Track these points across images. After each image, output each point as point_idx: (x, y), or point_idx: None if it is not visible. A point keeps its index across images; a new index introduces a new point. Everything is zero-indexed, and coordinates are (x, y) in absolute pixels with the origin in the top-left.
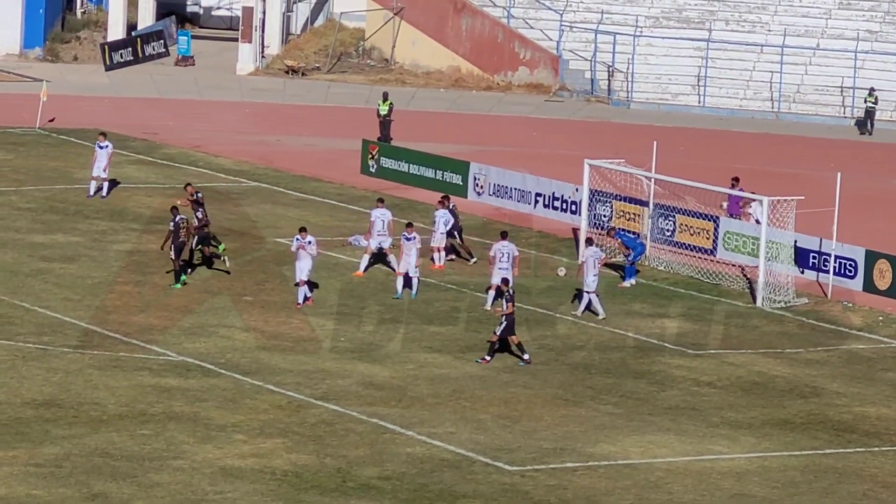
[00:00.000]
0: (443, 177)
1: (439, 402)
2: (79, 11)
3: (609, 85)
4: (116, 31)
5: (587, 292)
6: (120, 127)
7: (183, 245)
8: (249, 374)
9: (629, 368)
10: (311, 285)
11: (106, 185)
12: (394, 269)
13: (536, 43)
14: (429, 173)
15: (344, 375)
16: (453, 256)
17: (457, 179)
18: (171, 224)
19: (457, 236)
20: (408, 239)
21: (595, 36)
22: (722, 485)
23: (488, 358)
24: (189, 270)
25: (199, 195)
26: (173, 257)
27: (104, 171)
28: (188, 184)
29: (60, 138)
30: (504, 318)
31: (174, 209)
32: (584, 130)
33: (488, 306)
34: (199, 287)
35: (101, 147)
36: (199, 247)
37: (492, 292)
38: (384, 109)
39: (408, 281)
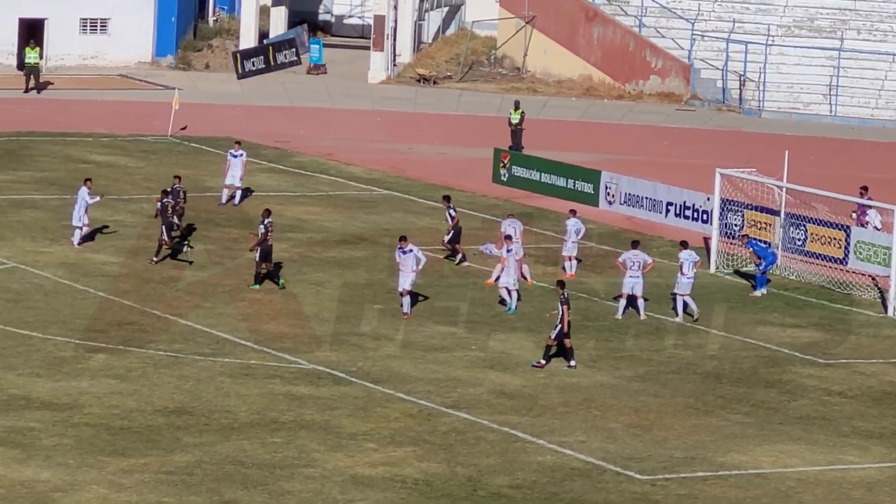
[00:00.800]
0: (574, 185)
1: (570, 411)
2: (211, 20)
3: (740, 94)
4: (248, 40)
5: (681, 295)
6: (251, 135)
7: (270, 248)
8: (380, 382)
9: (760, 378)
10: (414, 297)
11: (239, 193)
12: (526, 279)
13: (668, 52)
14: (560, 182)
15: (475, 384)
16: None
17: (588, 188)
18: (261, 227)
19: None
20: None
21: (727, 45)
22: (853, 495)
23: (543, 361)
24: (259, 281)
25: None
26: (257, 259)
27: (239, 179)
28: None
29: (192, 146)
30: (559, 321)
31: (266, 212)
32: (716, 139)
33: (619, 315)
34: (330, 296)
35: (234, 156)
36: (263, 264)
37: (623, 301)
38: (516, 118)
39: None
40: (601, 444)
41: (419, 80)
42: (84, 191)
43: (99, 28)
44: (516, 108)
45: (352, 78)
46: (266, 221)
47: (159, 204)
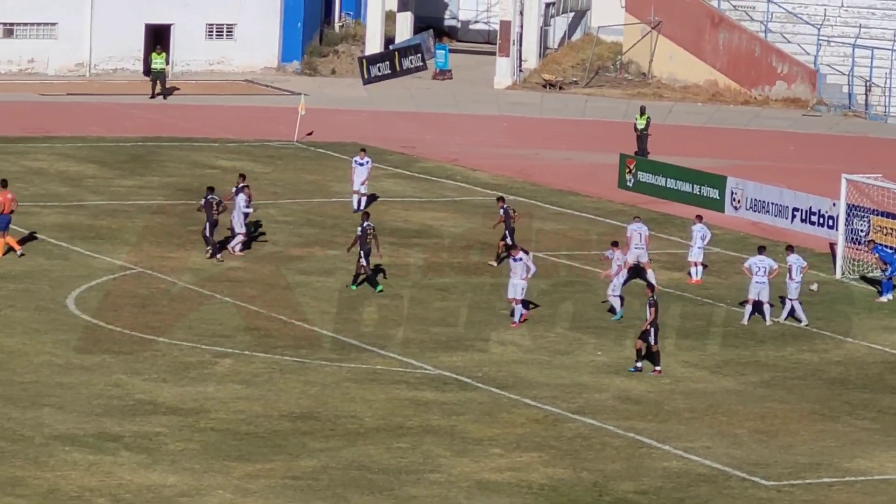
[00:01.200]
0: (700, 191)
1: (695, 417)
2: (337, 25)
3: (866, 99)
4: (374, 45)
5: (790, 299)
6: (377, 140)
7: (369, 250)
8: (506, 387)
9: (886, 384)
10: (526, 304)
11: (364, 199)
12: (651, 285)
13: (794, 57)
14: (686, 188)
15: (600, 389)
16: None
17: (714, 194)
18: (359, 229)
19: (508, 237)
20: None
21: (853, 50)
22: None
23: (639, 365)
24: (357, 281)
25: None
26: (363, 263)
27: (363, 185)
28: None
29: (318, 152)
30: (649, 325)
31: (365, 214)
32: (842, 145)
33: (745, 321)
34: (456, 301)
35: (360, 163)
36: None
37: (748, 307)
38: (641, 123)
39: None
40: (727, 449)
41: (545, 86)
42: (241, 198)
43: (225, 33)
44: (642, 113)
45: (478, 83)
46: (365, 224)
47: (203, 201)
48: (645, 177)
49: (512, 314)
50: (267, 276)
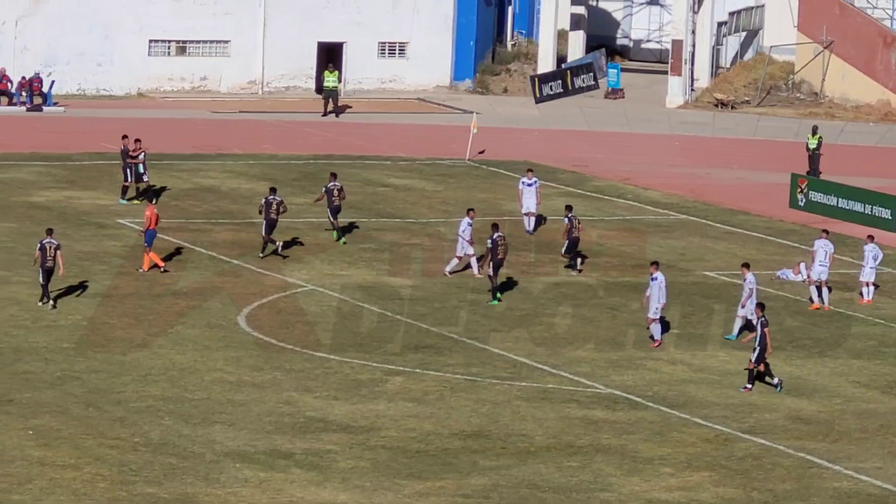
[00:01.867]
0: (871, 211)
1: (867, 437)
2: (509, 44)
3: None
4: (546, 64)
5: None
6: (549, 159)
7: (501, 262)
8: (676, 406)
9: None
10: (664, 324)
11: (533, 219)
12: (761, 304)
13: None
14: (857, 207)
15: (771, 409)
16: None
17: (885, 214)
18: (490, 241)
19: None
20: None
21: None
22: None
23: (749, 386)
24: (496, 296)
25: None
26: (491, 275)
27: (535, 206)
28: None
29: (490, 170)
30: (757, 343)
31: (494, 226)
32: None
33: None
34: (626, 320)
35: (527, 184)
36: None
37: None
38: (813, 143)
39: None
40: None
41: (717, 105)
42: (466, 221)
43: (398, 52)
44: (814, 133)
45: (649, 102)
46: (495, 236)
47: (263, 201)
48: (817, 196)
49: (654, 332)
50: (438, 294)
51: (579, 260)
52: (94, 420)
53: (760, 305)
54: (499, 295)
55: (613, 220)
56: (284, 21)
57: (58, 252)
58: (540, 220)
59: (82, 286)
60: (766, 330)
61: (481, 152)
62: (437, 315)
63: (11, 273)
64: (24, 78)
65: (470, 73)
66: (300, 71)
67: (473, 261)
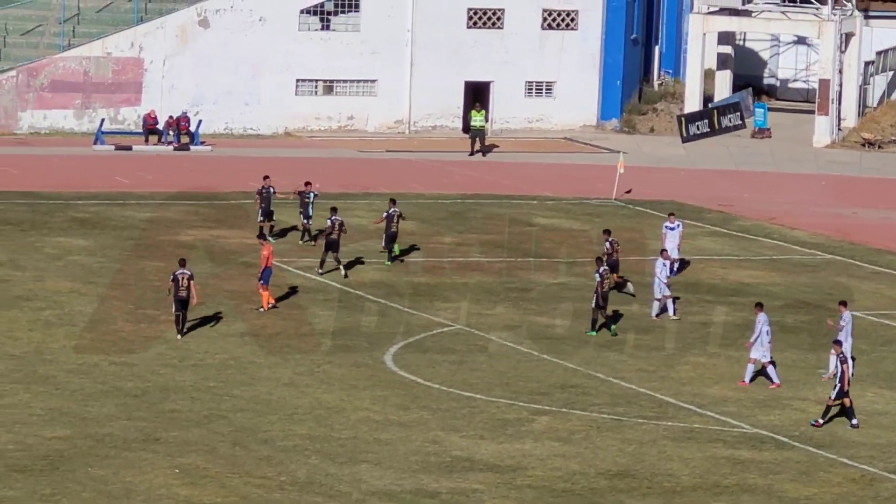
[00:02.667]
0: None
1: None
2: (656, 83)
3: None
4: (693, 103)
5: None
6: (695, 198)
7: (606, 295)
8: (823, 447)
9: None
10: (773, 364)
11: (676, 264)
12: (838, 341)
13: None
14: None
15: None
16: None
17: None
18: (598, 275)
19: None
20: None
21: None
22: None
23: (821, 421)
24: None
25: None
26: (599, 305)
27: (676, 249)
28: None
29: (636, 209)
30: (838, 380)
31: (598, 260)
32: None
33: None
34: (774, 359)
35: (670, 228)
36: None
37: None
38: None
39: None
40: None
41: (864, 144)
42: (660, 262)
43: (544, 91)
44: None
45: (796, 141)
46: (601, 270)
47: (328, 222)
48: None
49: (767, 376)
50: (580, 334)
51: (630, 285)
52: (240, 459)
53: (838, 342)
54: (613, 327)
55: (759, 260)
56: (431, 60)
57: (191, 282)
58: (682, 263)
59: (229, 325)
60: (844, 367)
61: (628, 192)
62: (582, 354)
63: (160, 312)
64: (171, 117)
65: (617, 112)
66: (447, 110)
67: (670, 302)
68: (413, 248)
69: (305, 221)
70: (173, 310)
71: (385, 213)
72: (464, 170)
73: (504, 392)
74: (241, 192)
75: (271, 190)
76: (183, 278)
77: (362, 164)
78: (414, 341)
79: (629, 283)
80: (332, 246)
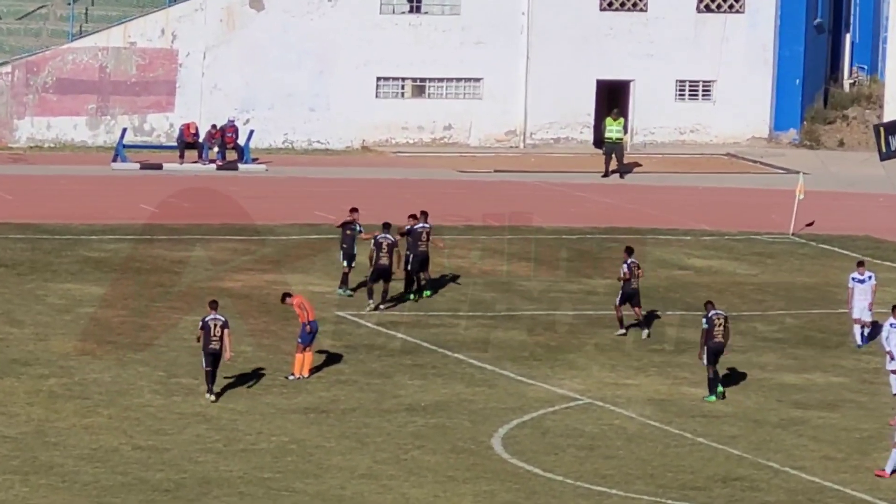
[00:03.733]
0: None
1: None
2: (846, 83)
3: None
4: (894, 109)
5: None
6: None
7: (720, 348)
8: None
9: None
10: None
11: (867, 329)
12: None
13: None
14: None
15: None
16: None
17: None
18: (705, 321)
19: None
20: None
21: None
22: None
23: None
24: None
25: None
26: (706, 362)
27: (868, 309)
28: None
29: (820, 248)
30: None
31: (709, 304)
32: None
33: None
34: None
35: (858, 280)
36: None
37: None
38: None
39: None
40: None
41: None
42: (890, 323)
43: (701, 93)
44: None
45: None
46: (711, 314)
47: (373, 242)
48: None
49: None
50: (752, 410)
51: (646, 332)
52: None
53: None
54: (719, 389)
55: None
56: (553, 52)
57: (225, 331)
58: (875, 329)
59: (289, 397)
60: None
61: (809, 224)
62: (752, 437)
63: (199, 381)
64: (213, 127)
65: (795, 121)
66: (574, 118)
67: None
68: (526, 296)
69: (347, 265)
70: (203, 364)
71: (408, 228)
72: (595, 195)
73: (648, 486)
74: (305, 225)
75: (358, 228)
76: (215, 325)
77: (463, 188)
78: (530, 419)
79: (647, 330)
80: (382, 274)
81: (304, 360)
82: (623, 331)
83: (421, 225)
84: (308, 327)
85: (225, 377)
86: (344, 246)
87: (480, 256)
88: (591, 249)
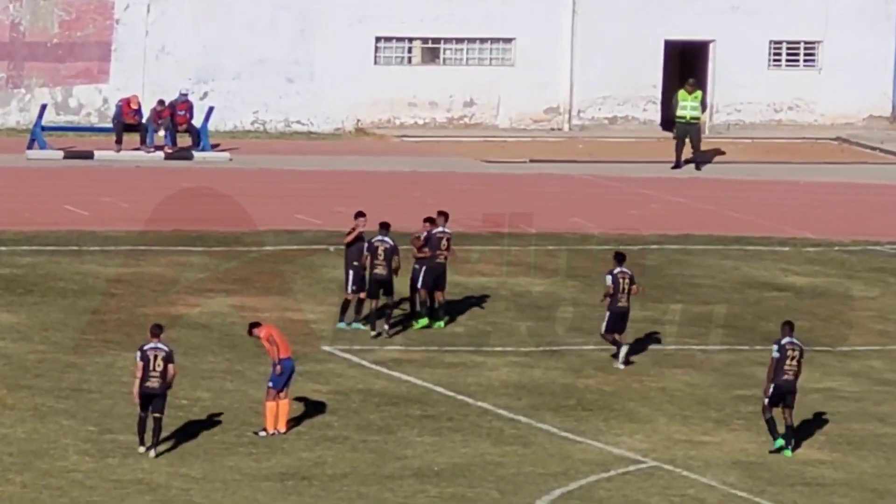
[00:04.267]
0: None
1: None
2: None
3: None
4: None
5: None
6: None
7: (791, 388)
8: None
9: None
10: None
11: None
12: None
13: None
14: None
15: None
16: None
17: None
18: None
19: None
20: None
21: None
22: None
23: None
24: None
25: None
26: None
27: None
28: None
29: None
30: None
31: (786, 325)
32: None
33: None
34: None
35: None
36: None
37: None
38: None
39: None
40: None
41: None
42: None
43: (802, 58)
44: None
45: None
46: (784, 341)
47: (367, 245)
48: None
49: None
50: (869, 477)
51: (624, 349)
52: None
53: None
54: (786, 451)
55: None
56: (609, 5)
57: (169, 365)
58: None
59: (260, 459)
60: None
61: None
62: None
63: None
64: (161, 103)
65: None
66: (635, 91)
67: None
68: (572, 325)
69: (353, 288)
70: (138, 408)
71: (425, 234)
72: (663, 192)
73: None
74: (283, 232)
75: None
76: (156, 357)
77: (488, 183)
78: (577, 489)
79: (624, 348)
80: (383, 285)
81: (277, 411)
82: (621, 364)
83: (440, 230)
84: (279, 367)
85: (174, 432)
86: (355, 264)
87: (511, 273)
88: (657, 264)
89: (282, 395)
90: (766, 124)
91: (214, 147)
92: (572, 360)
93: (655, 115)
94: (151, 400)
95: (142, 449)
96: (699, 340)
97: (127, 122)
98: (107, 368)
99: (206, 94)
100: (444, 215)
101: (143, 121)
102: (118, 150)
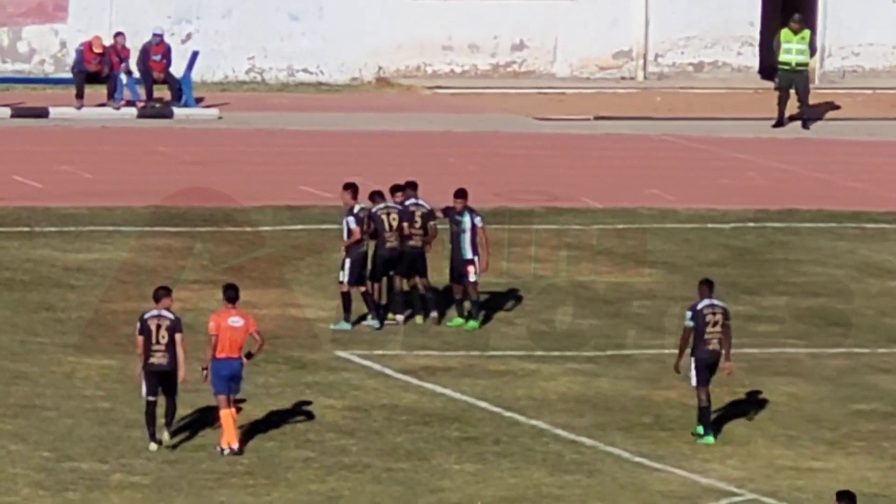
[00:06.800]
0: None
1: None
2: None
3: None
4: None
5: None
6: None
7: (715, 360)
8: None
9: None
10: None
11: None
12: None
13: None
14: None
15: None
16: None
17: None
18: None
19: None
20: None
21: None
22: None
23: None
24: None
25: None
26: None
27: None
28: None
29: None
30: None
31: (703, 285)
32: None
33: None
34: None
35: None
36: None
37: None
38: None
39: None
40: None
41: None
42: None
43: None
44: None
45: None
46: (701, 305)
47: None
48: None
49: None
50: None
51: None
52: None
53: None
54: (709, 439)
55: None
56: None
57: (176, 336)
58: None
59: (259, 494)
60: None
61: None
62: None
63: (108, 466)
64: (125, 48)
65: None
66: (726, 31)
67: None
68: (648, 324)
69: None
70: (143, 391)
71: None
72: (763, 158)
73: None
74: (284, 208)
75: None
76: (160, 327)
77: (544, 146)
78: None
79: None
80: (391, 263)
81: (229, 417)
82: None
83: (413, 201)
84: (219, 367)
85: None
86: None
87: (571, 259)
88: (754, 246)
89: (231, 402)
90: (891, 71)
91: (199, 102)
92: (647, 367)
93: (753, 60)
94: (160, 380)
95: (153, 446)
96: (807, 342)
97: (90, 72)
98: (65, 379)
99: (188, 37)
100: (413, 185)
101: (113, 70)
102: (79, 107)
